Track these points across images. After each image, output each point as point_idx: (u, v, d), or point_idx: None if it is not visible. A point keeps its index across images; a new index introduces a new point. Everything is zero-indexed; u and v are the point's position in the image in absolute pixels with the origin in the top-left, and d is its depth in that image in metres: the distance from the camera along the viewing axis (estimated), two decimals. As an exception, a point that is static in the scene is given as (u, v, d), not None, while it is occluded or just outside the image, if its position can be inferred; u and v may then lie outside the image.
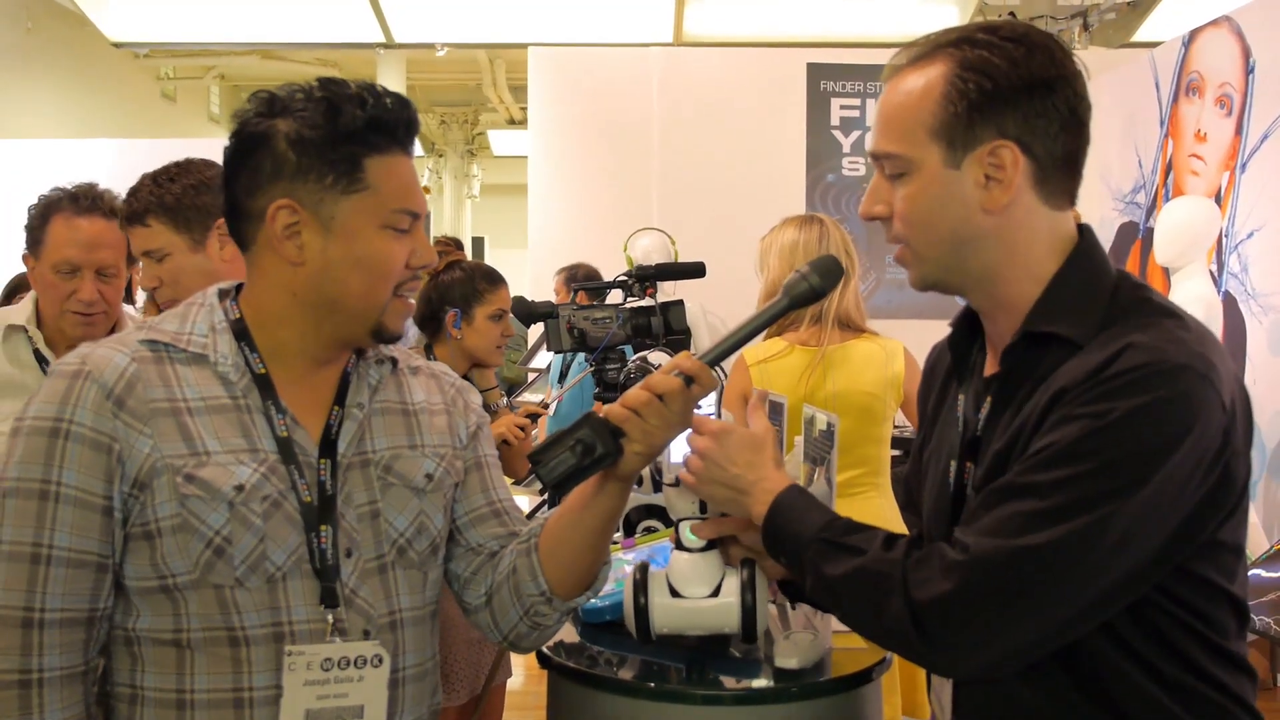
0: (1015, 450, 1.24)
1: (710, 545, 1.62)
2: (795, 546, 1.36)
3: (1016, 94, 1.24)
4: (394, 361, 1.49)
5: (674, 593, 1.63)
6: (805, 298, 1.45)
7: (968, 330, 1.42)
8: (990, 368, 1.38)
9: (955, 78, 1.25)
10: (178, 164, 2.12)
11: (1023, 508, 1.17)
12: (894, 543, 1.28)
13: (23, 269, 2.59)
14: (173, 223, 2.07)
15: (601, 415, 1.37)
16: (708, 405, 1.54)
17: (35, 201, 2.38)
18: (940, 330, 1.53)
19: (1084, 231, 1.32)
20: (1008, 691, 1.28)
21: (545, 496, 2.43)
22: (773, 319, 1.46)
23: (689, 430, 1.41)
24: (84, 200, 2.33)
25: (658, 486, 1.62)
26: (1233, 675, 1.25)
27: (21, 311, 2.40)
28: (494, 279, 2.95)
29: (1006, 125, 1.25)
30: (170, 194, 2.07)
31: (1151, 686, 1.21)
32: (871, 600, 1.26)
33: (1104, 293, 1.27)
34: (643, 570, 1.65)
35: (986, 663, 1.21)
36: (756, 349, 2.94)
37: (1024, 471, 1.20)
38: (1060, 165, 1.28)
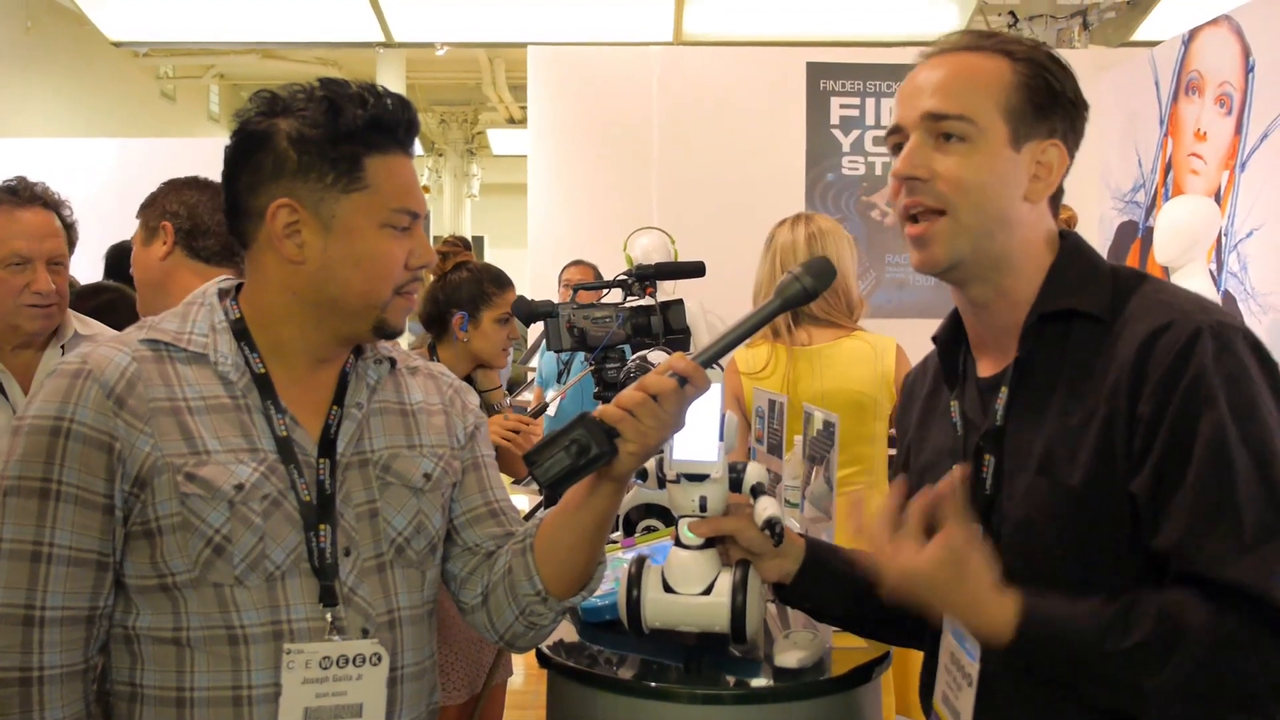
0: (1102, 448, 1.22)
1: (709, 544, 1.62)
2: (1078, 669, 1.21)
3: (1067, 104, 1.34)
4: (392, 361, 1.49)
5: (668, 588, 1.63)
6: (798, 298, 1.45)
7: (952, 337, 1.45)
8: (987, 368, 1.39)
9: (1025, 72, 1.31)
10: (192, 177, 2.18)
11: (1227, 527, 1.15)
12: (1185, 618, 1.16)
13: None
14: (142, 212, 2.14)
15: (596, 415, 1.37)
16: (710, 401, 1.53)
17: None
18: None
19: (1064, 233, 1.38)
20: (1034, 698, 1.27)
21: (544, 496, 2.43)
22: (766, 319, 1.46)
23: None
24: (24, 193, 2.30)
25: (662, 483, 1.62)
26: None
27: None
28: (502, 282, 2.89)
29: (1056, 128, 1.33)
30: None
31: None
32: (1221, 698, 1.17)
33: (1105, 272, 1.34)
34: (639, 563, 1.65)
35: None
36: (747, 361, 2.94)
37: (1194, 490, 1.17)
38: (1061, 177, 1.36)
